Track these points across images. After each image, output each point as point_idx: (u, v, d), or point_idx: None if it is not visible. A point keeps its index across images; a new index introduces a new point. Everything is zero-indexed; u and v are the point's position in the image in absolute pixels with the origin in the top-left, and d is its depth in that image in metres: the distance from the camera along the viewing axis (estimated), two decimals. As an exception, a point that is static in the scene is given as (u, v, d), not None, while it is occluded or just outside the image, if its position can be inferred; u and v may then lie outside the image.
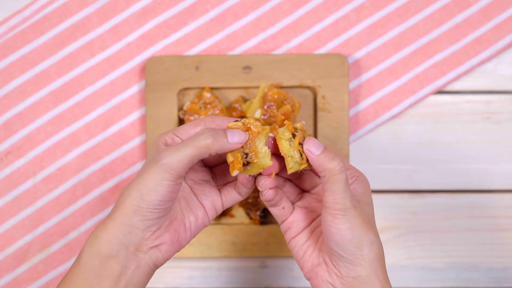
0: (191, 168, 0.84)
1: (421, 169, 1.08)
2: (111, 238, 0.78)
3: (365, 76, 1.08)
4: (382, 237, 1.09)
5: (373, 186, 1.08)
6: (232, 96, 1.07)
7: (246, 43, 1.07)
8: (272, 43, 1.07)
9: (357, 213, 0.79)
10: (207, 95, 1.04)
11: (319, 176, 0.81)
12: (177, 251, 0.82)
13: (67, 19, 1.07)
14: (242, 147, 0.79)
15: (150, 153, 0.80)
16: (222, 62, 1.05)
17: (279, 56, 1.05)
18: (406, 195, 1.09)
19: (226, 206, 0.85)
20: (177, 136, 0.81)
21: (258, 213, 1.04)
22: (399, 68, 1.07)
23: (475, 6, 1.07)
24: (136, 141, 1.08)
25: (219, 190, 0.85)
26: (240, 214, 1.07)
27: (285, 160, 0.79)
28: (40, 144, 1.07)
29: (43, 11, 1.07)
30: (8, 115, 1.07)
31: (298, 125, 0.81)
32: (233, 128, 0.79)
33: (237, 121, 0.80)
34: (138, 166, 1.07)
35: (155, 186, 0.77)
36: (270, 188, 0.81)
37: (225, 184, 0.85)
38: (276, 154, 0.81)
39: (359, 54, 1.07)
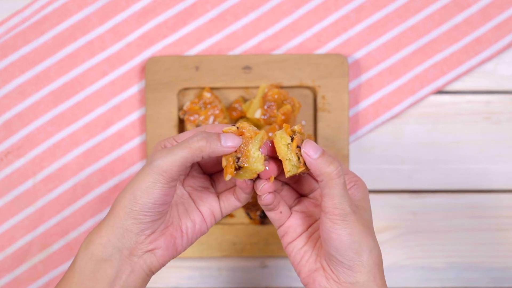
0: (189, 175, 0.83)
1: (421, 169, 1.08)
2: (105, 242, 0.78)
3: (365, 76, 1.08)
4: (382, 237, 1.09)
5: (373, 186, 1.08)
6: (232, 96, 1.07)
7: (246, 43, 1.07)
8: (272, 43, 1.07)
9: (357, 218, 0.79)
10: (207, 95, 1.04)
11: (317, 181, 0.81)
12: (173, 257, 0.81)
13: (67, 19, 1.07)
14: (236, 151, 0.78)
15: (148, 158, 0.80)
16: (222, 62, 1.05)
17: (279, 56, 1.05)
18: (406, 195, 1.09)
19: (225, 213, 0.84)
20: (176, 141, 0.81)
21: (258, 213, 1.04)
22: (399, 68, 1.07)
23: (475, 6, 1.07)
24: (136, 141, 1.08)
25: (218, 196, 0.85)
26: (240, 214, 1.07)
27: (283, 163, 0.79)
28: (40, 144, 1.07)
29: (43, 11, 1.07)
30: (8, 115, 1.07)
31: (296, 127, 0.81)
32: (227, 132, 0.79)
33: (233, 125, 0.79)
34: (138, 166, 1.07)
35: (147, 188, 0.77)
36: (269, 192, 0.81)
37: (224, 191, 0.85)
38: (274, 157, 0.80)
39: (359, 54, 1.07)
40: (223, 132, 0.79)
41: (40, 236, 1.07)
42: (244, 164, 0.78)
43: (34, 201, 1.07)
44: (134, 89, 1.07)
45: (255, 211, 1.04)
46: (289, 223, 0.84)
